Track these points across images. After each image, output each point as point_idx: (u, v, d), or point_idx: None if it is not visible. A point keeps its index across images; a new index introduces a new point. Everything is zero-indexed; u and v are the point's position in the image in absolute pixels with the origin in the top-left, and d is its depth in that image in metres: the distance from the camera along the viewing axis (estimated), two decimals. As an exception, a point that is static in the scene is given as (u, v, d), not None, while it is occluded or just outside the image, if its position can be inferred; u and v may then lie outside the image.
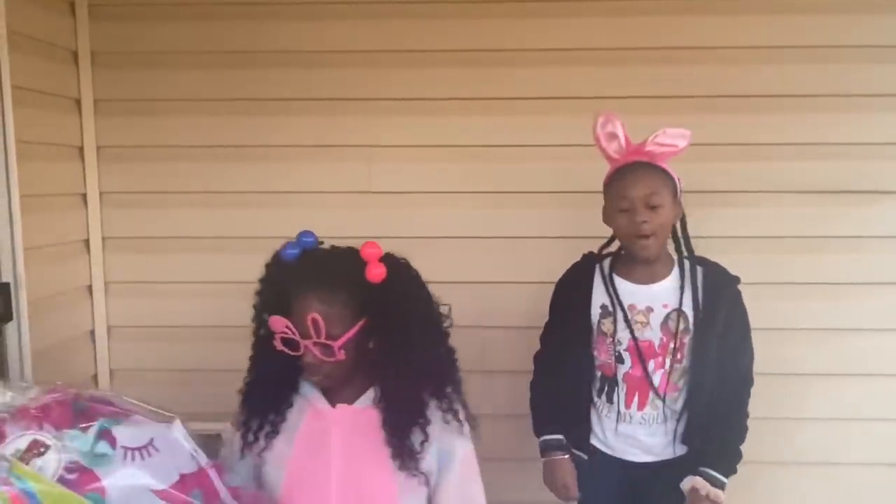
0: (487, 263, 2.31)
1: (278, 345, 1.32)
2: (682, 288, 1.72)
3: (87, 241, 2.33)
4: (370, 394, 1.38)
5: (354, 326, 1.29)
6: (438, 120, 2.26)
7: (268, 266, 1.38)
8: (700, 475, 1.71)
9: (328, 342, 1.27)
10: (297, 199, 2.30)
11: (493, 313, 2.32)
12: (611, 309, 1.76)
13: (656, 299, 1.74)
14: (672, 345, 1.71)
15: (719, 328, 1.70)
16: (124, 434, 1.09)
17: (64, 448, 1.04)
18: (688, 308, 1.72)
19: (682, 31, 2.21)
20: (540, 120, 2.24)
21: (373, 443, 1.34)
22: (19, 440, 1.04)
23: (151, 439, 1.11)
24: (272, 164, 2.30)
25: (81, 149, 2.28)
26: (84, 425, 1.08)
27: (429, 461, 1.35)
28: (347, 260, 1.31)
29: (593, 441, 1.83)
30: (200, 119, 2.28)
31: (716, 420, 1.73)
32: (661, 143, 1.66)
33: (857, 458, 2.34)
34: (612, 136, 1.70)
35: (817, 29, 2.20)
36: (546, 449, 1.83)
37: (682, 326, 1.71)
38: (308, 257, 1.34)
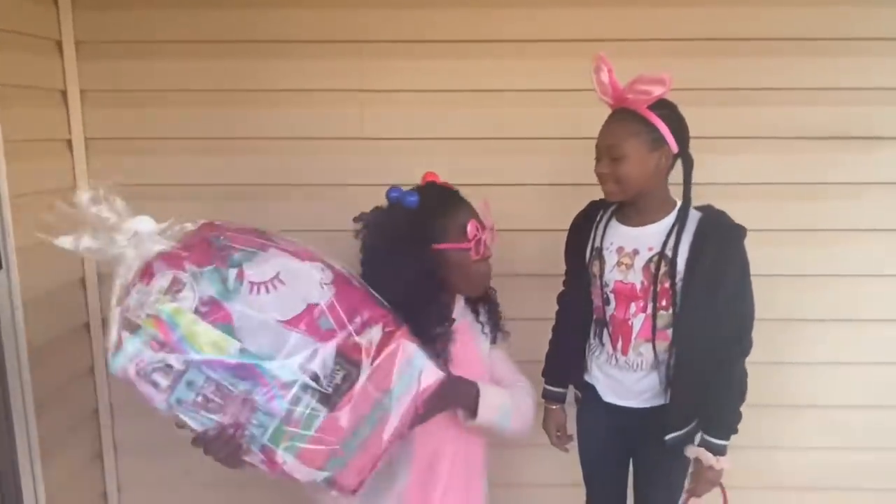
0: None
1: (476, 245, 1.49)
2: (670, 233, 1.69)
3: (74, 189, 2.28)
4: (459, 304, 1.57)
5: None
6: (433, 63, 2.21)
7: (399, 220, 1.44)
8: (703, 444, 1.72)
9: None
10: (288, 144, 2.26)
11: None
12: (600, 250, 1.77)
13: (643, 242, 1.72)
14: (653, 289, 1.69)
15: (706, 273, 1.64)
16: (252, 270, 1.20)
17: (199, 284, 1.17)
18: (675, 253, 1.67)
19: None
20: (535, 64, 2.20)
21: (472, 349, 1.57)
22: (163, 279, 1.17)
23: (277, 273, 1.20)
24: (262, 108, 2.25)
25: (64, 93, 2.22)
26: (219, 264, 1.19)
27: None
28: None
29: (587, 378, 1.88)
30: (187, 62, 2.22)
31: (710, 381, 1.70)
32: (637, 89, 1.61)
33: (855, 401, 2.39)
34: (601, 82, 1.66)
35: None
36: (544, 397, 1.97)
37: (662, 270, 1.68)
38: (421, 191, 1.48)
